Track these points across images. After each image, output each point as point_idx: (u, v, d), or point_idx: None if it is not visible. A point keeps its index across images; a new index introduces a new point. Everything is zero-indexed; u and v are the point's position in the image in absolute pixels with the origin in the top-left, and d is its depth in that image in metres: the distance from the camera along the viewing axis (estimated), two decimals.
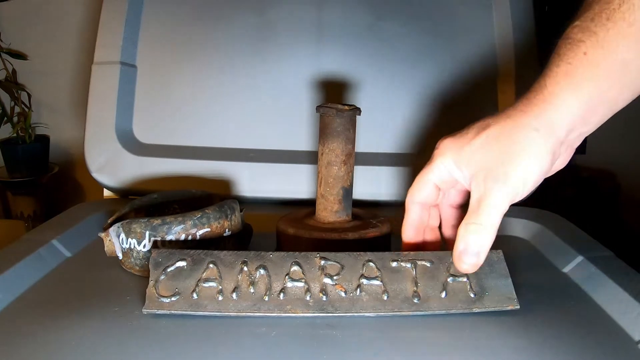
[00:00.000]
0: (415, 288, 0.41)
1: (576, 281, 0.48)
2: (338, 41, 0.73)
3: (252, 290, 0.41)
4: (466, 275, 0.42)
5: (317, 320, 0.40)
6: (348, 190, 0.51)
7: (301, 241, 0.49)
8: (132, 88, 0.72)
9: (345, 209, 0.51)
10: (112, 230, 0.47)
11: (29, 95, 1.41)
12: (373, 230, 0.50)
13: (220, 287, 0.41)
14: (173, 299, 0.40)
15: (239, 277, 0.41)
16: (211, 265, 0.42)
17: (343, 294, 0.41)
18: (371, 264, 0.42)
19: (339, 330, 0.39)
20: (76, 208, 0.64)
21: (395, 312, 0.40)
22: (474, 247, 0.38)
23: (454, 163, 0.40)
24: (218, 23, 0.73)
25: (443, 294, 0.41)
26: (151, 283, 0.41)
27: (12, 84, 1.37)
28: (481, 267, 0.41)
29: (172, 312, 0.39)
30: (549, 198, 0.84)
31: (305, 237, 0.49)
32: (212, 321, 0.39)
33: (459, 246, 0.39)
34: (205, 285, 0.41)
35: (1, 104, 1.39)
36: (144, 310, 0.40)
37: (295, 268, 0.42)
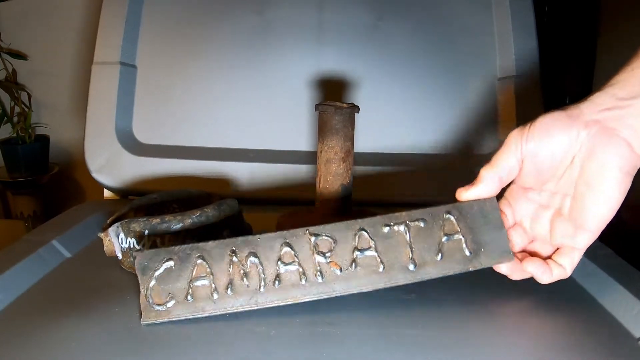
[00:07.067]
0: (410, 254, 0.41)
1: (576, 279, 0.48)
2: (338, 42, 0.73)
3: (246, 283, 0.40)
4: (461, 231, 0.41)
5: (316, 318, 0.40)
6: (347, 187, 0.51)
7: None
8: (132, 88, 0.73)
9: (344, 205, 0.51)
10: (112, 230, 0.47)
11: (29, 95, 1.41)
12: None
13: (214, 284, 0.40)
14: (169, 305, 0.40)
15: (230, 269, 0.40)
16: (199, 261, 0.40)
17: (338, 272, 0.40)
18: (364, 232, 0.41)
19: (338, 328, 0.39)
20: (76, 208, 0.64)
21: (393, 284, 0.40)
22: None
23: None
24: (218, 23, 0.73)
25: (439, 257, 0.41)
26: (142, 292, 0.40)
27: (12, 84, 1.37)
28: (475, 219, 0.41)
29: (171, 319, 0.39)
30: None
31: None
32: (211, 320, 0.39)
33: None
34: (198, 284, 0.40)
35: (1, 104, 1.39)
36: (143, 322, 0.39)
37: (286, 249, 0.41)
